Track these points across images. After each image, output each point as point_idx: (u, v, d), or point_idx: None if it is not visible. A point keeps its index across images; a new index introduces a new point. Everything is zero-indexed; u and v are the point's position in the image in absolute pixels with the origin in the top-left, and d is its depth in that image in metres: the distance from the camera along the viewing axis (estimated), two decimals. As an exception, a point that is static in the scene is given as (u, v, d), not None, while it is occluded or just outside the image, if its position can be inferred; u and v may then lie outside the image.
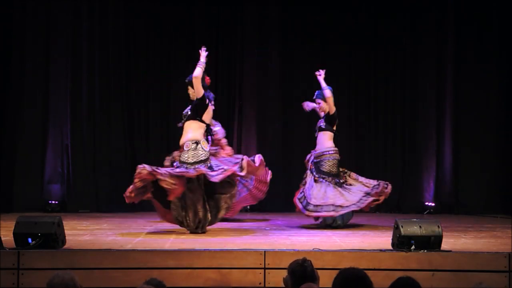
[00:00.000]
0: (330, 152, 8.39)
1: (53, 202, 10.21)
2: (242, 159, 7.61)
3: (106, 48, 10.53)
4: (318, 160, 8.39)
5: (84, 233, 7.53)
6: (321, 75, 8.40)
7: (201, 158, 7.51)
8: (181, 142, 7.63)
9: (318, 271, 4.07)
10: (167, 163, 7.92)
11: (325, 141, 8.44)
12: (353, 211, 8.23)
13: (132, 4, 10.58)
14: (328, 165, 8.34)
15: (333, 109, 8.41)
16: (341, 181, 8.30)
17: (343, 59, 10.80)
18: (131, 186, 7.31)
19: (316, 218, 8.32)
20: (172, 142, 10.57)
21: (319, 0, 10.72)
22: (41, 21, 10.36)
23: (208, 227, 7.61)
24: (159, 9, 10.62)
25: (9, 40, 10.31)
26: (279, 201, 10.14)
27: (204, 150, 7.55)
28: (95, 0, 10.51)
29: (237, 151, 10.31)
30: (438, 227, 6.12)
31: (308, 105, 8.75)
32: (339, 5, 10.72)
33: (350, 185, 8.30)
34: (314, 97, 8.57)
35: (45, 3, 10.36)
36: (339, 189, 8.21)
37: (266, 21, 10.73)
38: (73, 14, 10.41)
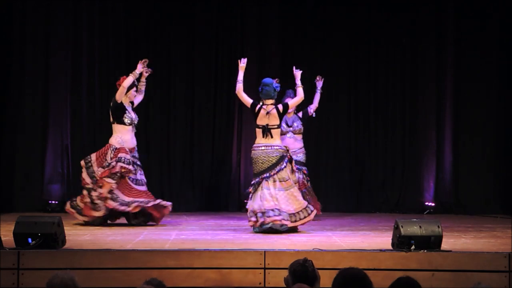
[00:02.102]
0: None
1: (53, 202, 10.20)
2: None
3: (106, 48, 10.52)
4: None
5: (84, 233, 7.52)
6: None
7: None
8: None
9: (318, 271, 4.07)
10: None
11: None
12: None
13: (132, 5, 10.57)
14: None
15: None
16: None
17: (343, 59, 10.78)
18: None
19: None
20: (172, 141, 10.59)
21: (319, 0, 10.71)
22: (41, 21, 10.34)
23: (208, 227, 7.54)
24: (159, 10, 10.61)
25: (9, 40, 10.30)
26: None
27: None
28: (95, 0, 10.52)
29: (238, 151, 10.31)
30: (438, 227, 6.11)
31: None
32: (339, 5, 10.71)
33: None
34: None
35: (45, 4, 10.35)
36: None
37: (266, 21, 10.71)
38: (74, 14, 10.40)
